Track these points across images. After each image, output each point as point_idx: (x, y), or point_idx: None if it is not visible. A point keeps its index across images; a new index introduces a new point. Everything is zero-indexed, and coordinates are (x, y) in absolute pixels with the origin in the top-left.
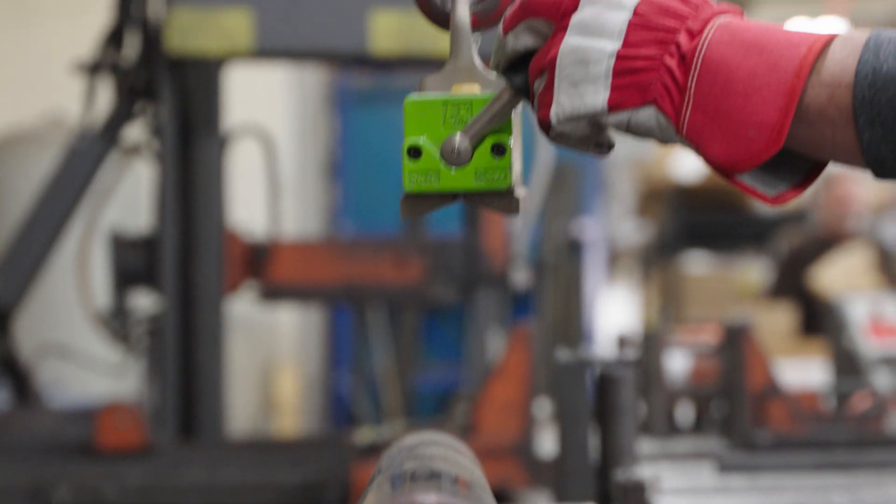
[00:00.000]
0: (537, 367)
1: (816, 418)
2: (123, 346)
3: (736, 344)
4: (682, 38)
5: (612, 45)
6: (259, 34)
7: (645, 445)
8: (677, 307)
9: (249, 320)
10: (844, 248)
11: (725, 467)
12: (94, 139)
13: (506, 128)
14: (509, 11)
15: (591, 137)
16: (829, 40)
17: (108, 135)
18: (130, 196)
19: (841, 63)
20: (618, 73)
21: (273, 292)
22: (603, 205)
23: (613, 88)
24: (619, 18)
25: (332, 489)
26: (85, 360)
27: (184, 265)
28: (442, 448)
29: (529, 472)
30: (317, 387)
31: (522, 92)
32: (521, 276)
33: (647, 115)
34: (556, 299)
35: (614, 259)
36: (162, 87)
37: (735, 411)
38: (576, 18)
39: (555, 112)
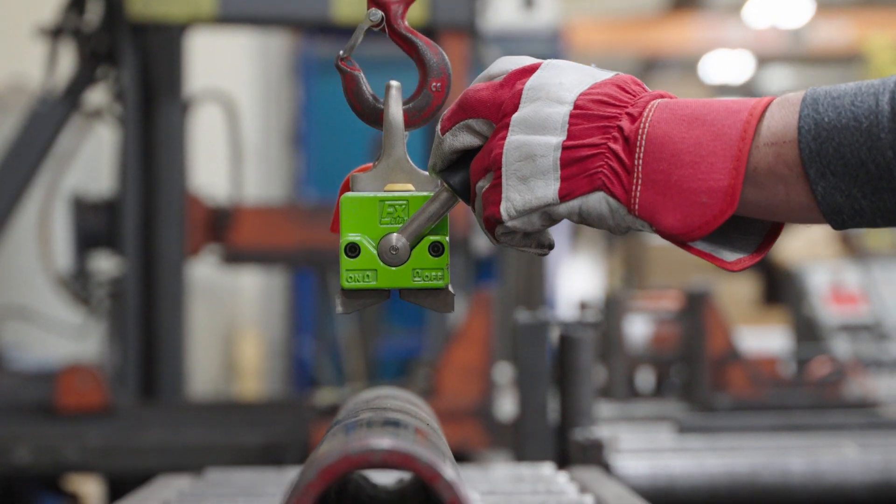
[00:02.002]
0: (499, 332)
1: (775, 383)
2: (85, 309)
3: (696, 310)
4: (624, 123)
5: (557, 139)
6: (222, 0)
7: (605, 409)
8: (640, 276)
9: (212, 285)
10: None
11: (684, 429)
12: (55, 103)
13: (443, 227)
14: (447, 111)
15: (535, 235)
16: (768, 103)
17: (70, 99)
18: (92, 160)
19: (782, 121)
20: (565, 163)
21: (235, 256)
22: None
23: (563, 179)
24: (561, 112)
25: (292, 449)
26: (46, 322)
27: (145, 228)
28: (399, 401)
29: (489, 433)
30: (279, 351)
31: (461, 192)
32: (483, 242)
33: (596, 199)
34: (518, 266)
35: (578, 229)
36: (124, 51)
37: (695, 376)
38: (517, 116)
39: (505, 208)
